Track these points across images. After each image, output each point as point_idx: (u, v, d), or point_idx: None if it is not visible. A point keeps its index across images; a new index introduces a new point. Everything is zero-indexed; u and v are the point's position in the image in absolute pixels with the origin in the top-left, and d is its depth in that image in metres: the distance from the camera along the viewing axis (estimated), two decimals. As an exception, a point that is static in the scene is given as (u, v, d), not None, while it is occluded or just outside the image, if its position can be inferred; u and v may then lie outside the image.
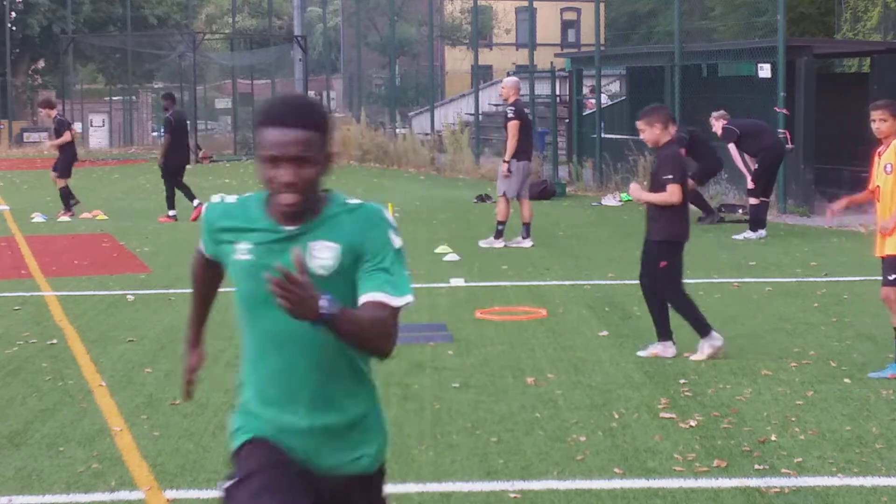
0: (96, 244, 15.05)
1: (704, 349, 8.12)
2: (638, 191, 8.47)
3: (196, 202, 17.61)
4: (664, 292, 8.20)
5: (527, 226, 14.09)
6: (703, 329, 8.15)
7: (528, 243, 14.00)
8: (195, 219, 17.26)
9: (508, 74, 25.71)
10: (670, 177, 8.02)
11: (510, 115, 13.87)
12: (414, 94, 34.90)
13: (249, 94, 39.52)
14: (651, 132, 8.13)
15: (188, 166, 18.62)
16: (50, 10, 44.82)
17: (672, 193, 8.03)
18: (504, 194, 13.90)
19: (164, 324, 9.65)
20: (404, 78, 35.21)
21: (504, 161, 13.94)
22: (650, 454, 6.06)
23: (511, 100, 14.04)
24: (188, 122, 19.14)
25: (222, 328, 9.44)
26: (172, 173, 17.80)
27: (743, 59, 19.43)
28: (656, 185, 8.16)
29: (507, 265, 12.73)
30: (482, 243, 14.06)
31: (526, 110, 14.59)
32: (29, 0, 44.76)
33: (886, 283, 7.61)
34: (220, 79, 44.07)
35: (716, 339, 8.12)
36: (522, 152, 13.91)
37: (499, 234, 14.02)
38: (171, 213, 17.66)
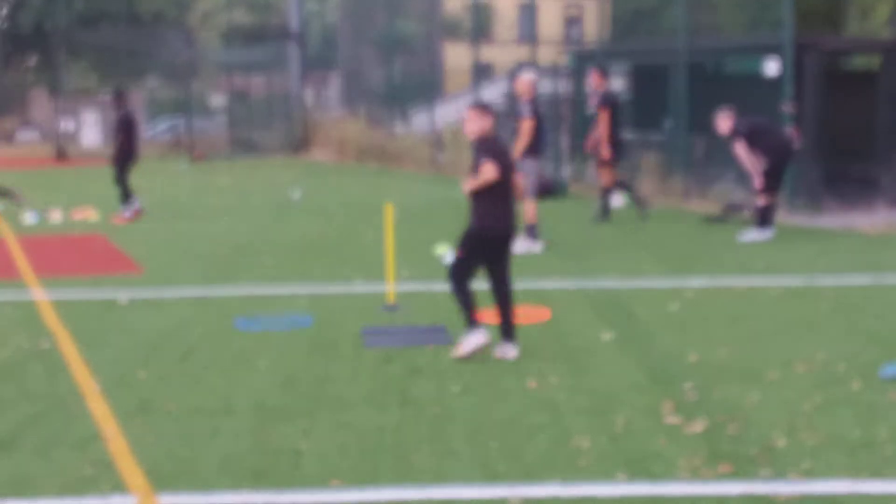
0: (89, 245, 14.95)
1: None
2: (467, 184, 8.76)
3: (129, 208, 17.61)
4: (449, 277, 8.27)
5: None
6: (473, 323, 8.21)
7: (527, 245, 13.75)
8: (124, 221, 17.33)
9: (509, 72, 25.55)
10: (483, 159, 8.19)
11: (525, 113, 13.60)
12: (413, 92, 34.79)
13: (245, 91, 39.40)
14: (481, 123, 8.32)
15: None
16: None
17: (485, 171, 8.13)
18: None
19: (158, 326, 9.56)
20: (403, 75, 35.07)
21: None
22: (655, 459, 5.97)
23: (526, 97, 13.74)
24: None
25: (218, 331, 9.36)
26: (126, 169, 17.73)
27: (750, 55, 19.32)
28: (475, 175, 8.33)
29: (508, 265, 12.60)
30: (518, 249, 13.38)
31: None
32: (20, -3, 44.72)
33: None
34: (215, 75, 43.96)
35: (480, 336, 8.15)
36: (535, 150, 13.75)
37: (534, 237, 13.79)
38: (126, 209, 17.67)
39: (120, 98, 18.33)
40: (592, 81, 16.40)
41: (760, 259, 12.92)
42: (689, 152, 19.37)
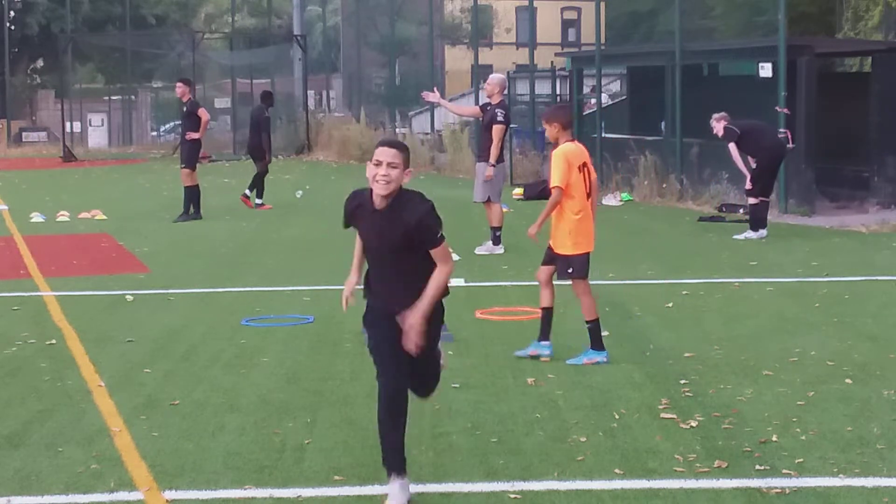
0: (95, 244, 15.03)
1: None
2: None
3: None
4: None
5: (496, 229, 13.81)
6: None
7: (500, 249, 13.74)
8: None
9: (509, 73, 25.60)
10: None
11: (500, 118, 13.46)
12: (414, 94, 34.88)
13: (249, 94, 39.47)
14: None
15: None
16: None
17: None
18: (490, 199, 13.65)
19: (164, 324, 9.64)
20: (404, 77, 35.14)
21: (490, 165, 13.57)
22: (651, 455, 6.04)
23: (496, 99, 13.65)
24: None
25: (222, 328, 9.45)
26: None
27: (744, 58, 19.42)
28: None
29: (507, 265, 12.71)
30: (479, 250, 13.65)
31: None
32: (27, -1, 44.80)
33: None
34: (219, 78, 44.01)
35: None
36: (502, 154, 13.77)
37: (497, 240, 13.77)
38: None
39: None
40: (181, 91, 18.17)
41: (754, 258, 13.01)
42: (685, 153, 19.46)
